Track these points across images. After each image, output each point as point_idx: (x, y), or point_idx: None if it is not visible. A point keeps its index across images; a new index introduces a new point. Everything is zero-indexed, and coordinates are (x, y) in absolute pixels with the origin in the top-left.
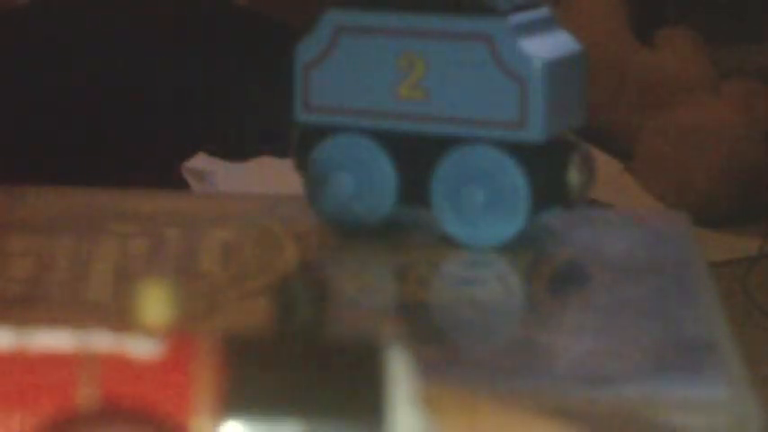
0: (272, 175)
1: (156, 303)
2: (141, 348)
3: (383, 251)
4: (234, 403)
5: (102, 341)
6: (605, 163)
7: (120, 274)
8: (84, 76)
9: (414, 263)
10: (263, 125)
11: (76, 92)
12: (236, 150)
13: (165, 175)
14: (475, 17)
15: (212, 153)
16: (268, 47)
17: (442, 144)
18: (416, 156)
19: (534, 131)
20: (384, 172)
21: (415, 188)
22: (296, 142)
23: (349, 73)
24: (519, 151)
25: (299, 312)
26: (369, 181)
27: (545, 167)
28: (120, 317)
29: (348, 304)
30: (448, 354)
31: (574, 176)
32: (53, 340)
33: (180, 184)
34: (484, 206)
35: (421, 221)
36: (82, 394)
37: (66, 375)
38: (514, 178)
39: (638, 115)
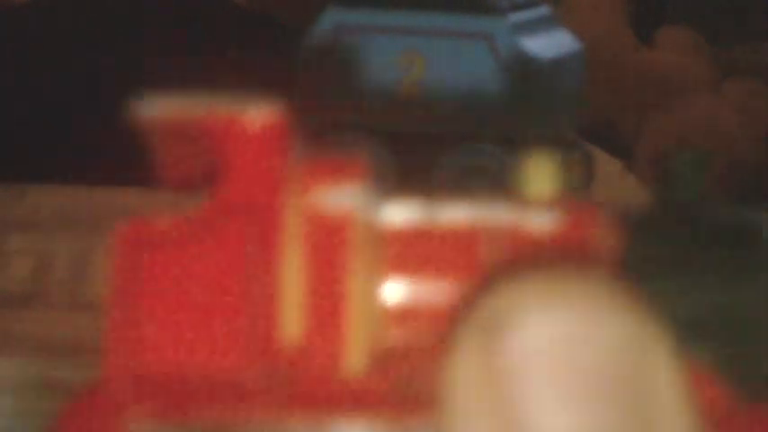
0: None
1: (547, 174)
2: (541, 221)
3: None
4: (626, 273)
5: (502, 214)
6: (605, 162)
7: None
8: (84, 75)
9: None
10: None
11: (76, 91)
12: None
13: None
14: (475, 16)
15: None
16: (268, 46)
17: (443, 142)
18: (417, 154)
19: (534, 130)
20: (384, 170)
21: (415, 187)
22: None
23: (349, 71)
24: (519, 150)
25: (681, 186)
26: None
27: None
28: None
29: None
30: None
31: (574, 175)
32: (456, 213)
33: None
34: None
35: None
36: (485, 266)
37: (471, 247)
38: (515, 177)
39: (638, 115)
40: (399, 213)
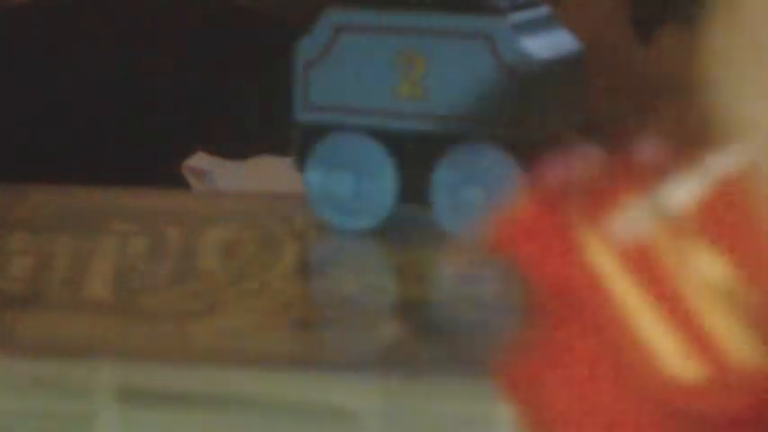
0: (271, 175)
1: None
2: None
3: (383, 250)
4: None
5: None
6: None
7: (120, 273)
8: (84, 75)
9: (413, 262)
10: (263, 124)
11: (76, 91)
12: (236, 149)
13: (164, 173)
14: (475, 16)
15: (212, 152)
16: (268, 46)
17: (443, 143)
18: (416, 154)
19: (534, 130)
20: (384, 171)
21: (415, 187)
22: (296, 141)
23: (349, 72)
24: (519, 150)
25: None
26: (369, 180)
27: (545, 166)
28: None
29: (348, 304)
30: (449, 352)
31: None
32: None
33: (180, 183)
34: (484, 205)
35: (421, 220)
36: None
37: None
38: (514, 177)
39: (638, 115)
40: (679, 197)
